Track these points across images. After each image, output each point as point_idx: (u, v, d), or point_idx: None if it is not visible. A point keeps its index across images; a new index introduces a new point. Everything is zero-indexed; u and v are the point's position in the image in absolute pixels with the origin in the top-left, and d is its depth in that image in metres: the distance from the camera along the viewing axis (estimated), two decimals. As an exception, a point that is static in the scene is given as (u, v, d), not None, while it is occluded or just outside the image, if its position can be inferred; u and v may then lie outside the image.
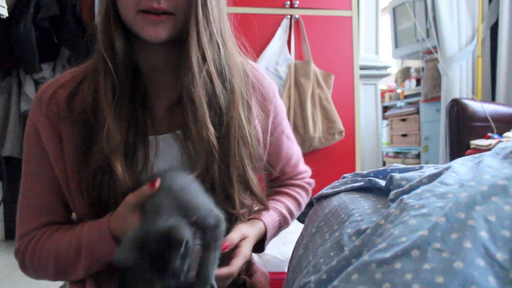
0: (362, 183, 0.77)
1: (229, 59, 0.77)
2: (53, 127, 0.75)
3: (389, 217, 0.56)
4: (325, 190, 0.85)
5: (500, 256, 0.45)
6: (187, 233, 0.60)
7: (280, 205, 0.93)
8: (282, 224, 0.93)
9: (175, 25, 0.72)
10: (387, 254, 0.48)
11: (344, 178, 0.88)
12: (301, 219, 1.25)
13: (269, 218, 0.88)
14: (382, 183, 0.72)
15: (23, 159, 0.80)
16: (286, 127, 0.95)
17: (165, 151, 0.77)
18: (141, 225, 0.63)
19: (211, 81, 0.74)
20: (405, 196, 0.58)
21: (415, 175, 0.67)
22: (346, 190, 0.80)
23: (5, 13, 1.63)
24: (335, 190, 0.82)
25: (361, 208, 0.67)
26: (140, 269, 0.59)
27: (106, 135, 0.71)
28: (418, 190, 0.58)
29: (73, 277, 0.76)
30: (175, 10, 0.71)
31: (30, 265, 0.77)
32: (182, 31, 0.73)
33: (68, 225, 0.78)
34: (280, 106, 0.92)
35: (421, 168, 0.77)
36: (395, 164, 0.83)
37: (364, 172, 0.84)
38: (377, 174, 0.81)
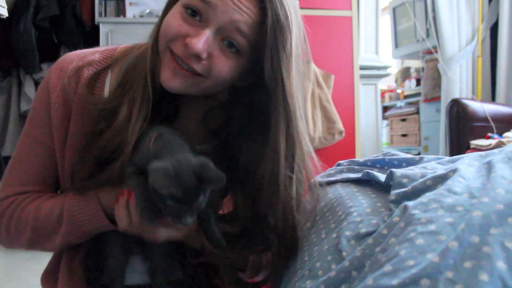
0: (359, 175, 0.74)
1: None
2: (66, 102, 0.72)
3: (392, 228, 0.53)
4: (319, 178, 0.81)
5: None
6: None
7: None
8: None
9: (197, 85, 0.66)
10: (394, 281, 0.44)
11: (339, 165, 0.84)
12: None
13: None
14: (381, 177, 0.69)
15: (26, 121, 0.77)
16: None
17: None
18: (168, 158, 0.59)
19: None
20: (409, 204, 0.54)
21: (417, 172, 0.64)
22: (342, 181, 0.76)
23: (5, 13, 1.63)
24: (331, 179, 0.79)
25: (360, 207, 0.64)
26: (174, 199, 0.58)
27: (120, 165, 0.66)
28: (424, 199, 0.54)
29: (48, 247, 0.73)
30: (206, 74, 0.64)
31: (5, 230, 0.74)
32: (205, 92, 0.68)
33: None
34: None
35: (421, 159, 0.73)
36: (392, 152, 0.79)
37: (361, 160, 0.80)
38: (374, 163, 0.78)
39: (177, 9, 0.65)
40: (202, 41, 0.61)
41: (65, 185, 0.74)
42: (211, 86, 0.66)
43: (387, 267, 0.46)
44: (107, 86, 0.73)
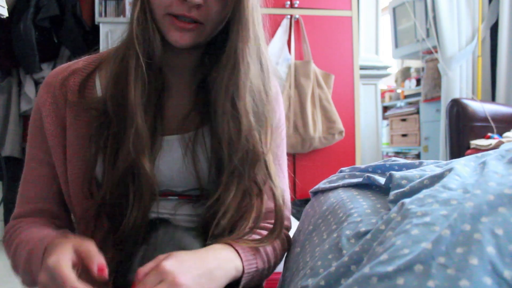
0: (360, 179, 0.76)
1: (267, 80, 0.76)
2: (58, 113, 0.75)
3: (390, 222, 0.55)
4: (322, 184, 0.83)
5: (508, 274, 0.42)
6: None
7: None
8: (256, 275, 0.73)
9: (201, 34, 0.71)
10: (389, 268, 0.46)
11: (341, 172, 0.86)
12: (296, 216, 1.23)
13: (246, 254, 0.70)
14: (381, 180, 0.70)
15: (27, 142, 0.79)
16: (281, 155, 0.86)
17: (166, 153, 0.76)
18: None
19: (253, 99, 0.73)
20: (406, 201, 0.56)
21: (415, 174, 0.66)
22: (344, 186, 0.78)
23: (5, 13, 1.63)
24: (333, 185, 0.80)
25: (360, 208, 0.65)
26: None
27: (135, 134, 0.69)
28: (420, 195, 0.56)
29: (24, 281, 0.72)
30: (205, 21, 0.69)
31: (7, 253, 0.76)
32: (208, 37, 0.72)
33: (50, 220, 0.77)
34: (283, 130, 0.88)
35: (421, 164, 0.75)
36: (393, 158, 0.81)
37: (362, 166, 0.82)
38: (375, 169, 0.79)
39: None
40: None
41: (71, 199, 0.75)
42: (211, 29, 0.71)
43: (383, 256, 0.48)
44: (98, 87, 0.75)
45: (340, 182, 0.80)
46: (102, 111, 0.72)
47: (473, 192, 0.51)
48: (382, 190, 0.71)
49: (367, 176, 0.74)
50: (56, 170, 0.76)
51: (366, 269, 0.48)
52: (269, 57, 0.78)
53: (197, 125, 0.77)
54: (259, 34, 0.74)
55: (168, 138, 0.76)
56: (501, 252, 0.44)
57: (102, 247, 0.71)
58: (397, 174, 0.66)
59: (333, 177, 0.84)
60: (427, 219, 0.50)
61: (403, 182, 0.64)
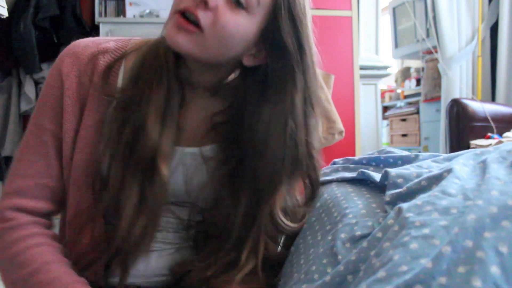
0: (354, 175, 0.74)
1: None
2: (81, 90, 0.69)
3: (387, 231, 0.53)
4: None
5: None
6: None
7: None
8: None
9: (198, 42, 0.63)
10: (388, 287, 0.44)
11: (334, 163, 0.84)
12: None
13: None
14: (376, 177, 0.68)
15: (35, 109, 0.72)
16: None
17: (179, 165, 0.73)
18: None
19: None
20: (404, 206, 0.54)
21: (412, 171, 0.64)
22: (337, 181, 0.76)
23: (5, 13, 1.63)
24: (326, 178, 0.78)
25: (355, 208, 0.64)
26: None
27: (151, 137, 0.66)
28: (418, 201, 0.53)
29: None
30: (206, 27, 0.62)
31: (4, 264, 0.69)
32: (211, 55, 0.66)
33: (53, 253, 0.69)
34: None
35: (416, 157, 0.73)
36: (388, 149, 0.79)
37: (356, 158, 0.80)
38: (369, 161, 0.78)
39: None
40: None
41: (69, 189, 0.71)
42: (214, 44, 0.64)
43: (381, 273, 0.46)
44: (120, 77, 0.71)
45: (334, 176, 0.78)
46: (121, 103, 0.68)
47: (474, 201, 0.49)
48: (377, 186, 0.69)
49: (362, 171, 0.72)
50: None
51: (363, 287, 0.46)
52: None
53: (212, 140, 0.74)
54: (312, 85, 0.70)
55: (181, 150, 0.73)
56: (506, 272, 0.41)
57: (90, 252, 0.69)
58: (392, 171, 0.64)
59: (326, 169, 0.82)
60: (426, 230, 0.47)
61: (399, 180, 0.62)
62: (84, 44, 0.72)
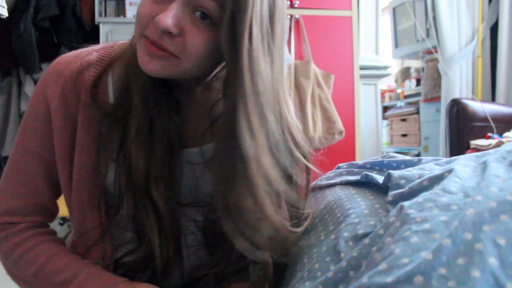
0: (358, 177, 0.75)
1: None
2: (69, 110, 0.67)
3: (389, 228, 0.53)
4: (319, 181, 0.82)
5: (511, 286, 0.41)
6: None
7: None
8: None
9: (175, 66, 0.60)
10: (388, 279, 0.45)
11: (339, 168, 0.85)
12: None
13: None
14: (379, 179, 0.69)
15: (19, 130, 0.71)
16: None
17: (187, 166, 0.72)
18: None
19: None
20: (405, 204, 0.55)
21: (414, 173, 0.65)
22: (341, 184, 0.77)
23: (5, 13, 1.63)
24: (330, 182, 0.79)
25: (358, 208, 0.65)
26: None
27: (138, 166, 0.64)
28: (419, 199, 0.54)
29: None
30: (180, 54, 0.59)
31: (13, 267, 0.71)
32: (189, 74, 0.63)
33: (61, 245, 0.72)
34: None
35: (419, 161, 0.74)
36: (391, 153, 0.80)
37: (360, 162, 0.81)
38: (373, 166, 0.78)
39: None
40: (169, 15, 0.56)
41: (72, 208, 0.71)
42: (190, 66, 0.61)
43: (382, 266, 0.47)
44: (110, 90, 0.70)
45: (338, 179, 0.79)
46: (114, 118, 0.67)
47: (474, 197, 0.50)
48: (380, 189, 0.70)
49: (365, 174, 0.73)
50: (57, 171, 0.71)
51: (365, 279, 0.47)
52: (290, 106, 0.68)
53: (210, 140, 0.73)
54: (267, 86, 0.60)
55: (188, 151, 0.73)
56: (504, 263, 0.42)
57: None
58: (395, 173, 0.65)
59: (330, 173, 0.83)
60: (427, 225, 0.48)
61: (402, 182, 0.63)
62: (65, 60, 0.70)
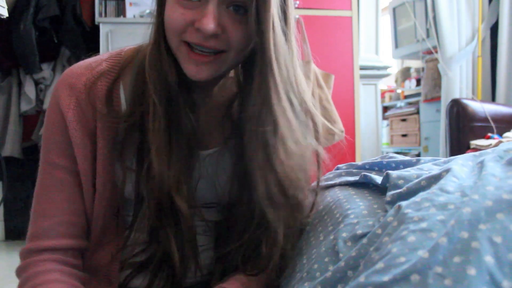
0: (357, 178, 0.75)
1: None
2: (86, 121, 0.68)
3: (386, 227, 0.54)
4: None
5: (507, 284, 0.41)
6: None
7: None
8: None
9: (222, 63, 0.63)
10: (385, 278, 0.45)
11: (338, 169, 0.85)
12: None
13: None
14: (378, 180, 0.70)
15: (42, 150, 0.70)
16: None
17: (208, 167, 0.73)
18: None
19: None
20: (403, 204, 0.55)
21: (412, 173, 0.65)
22: (341, 184, 0.77)
23: (5, 13, 1.63)
24: (329, 183, 0.80)
25: (357, 209, 0.65)
26: None
27: (159, 173, 0.64)
28: (417, 198, 0.55)
29: None
30: (227, 48, 0.62)
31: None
32: (230, 68, 0.66)
33: None
34: None
35: (418, 161, 0.74)
36: (390, 154, 0.80)
37: (359, 163, 0.81)
38: (372, 166, 0.79)
39: (171, 1, 0.62)
40: (211, 19, 0.58)
41: (92, 207, 0.70)
42: (235, 57, 0.64)
43: (379, 265, 0.47)
44: (123, 98, 0.70)
45: (337, 180, 0.79)
46: (130, 125, 0.67)
47: (470, 196, 0.50)
48: (379, 189, 0.70)
49: (364, 175, 0.73)
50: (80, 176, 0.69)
51: (362, 278, 0.47)
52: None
53: (223, 141, 0.74)
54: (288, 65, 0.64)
55: (206, 153, 0.74)
56: (500, 261, 0.42)
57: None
58: (393, 173, 0.65)
59: (329, 174, 0.84)
60: (424, 225, 0.49)
61: (400, 182, 0.63)
62: (77, 73, 0.70)
